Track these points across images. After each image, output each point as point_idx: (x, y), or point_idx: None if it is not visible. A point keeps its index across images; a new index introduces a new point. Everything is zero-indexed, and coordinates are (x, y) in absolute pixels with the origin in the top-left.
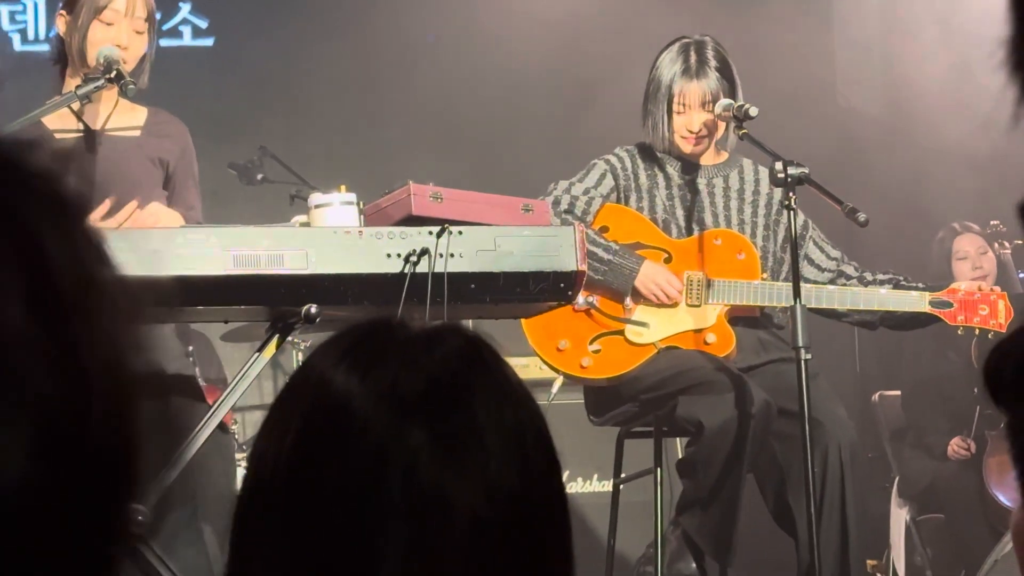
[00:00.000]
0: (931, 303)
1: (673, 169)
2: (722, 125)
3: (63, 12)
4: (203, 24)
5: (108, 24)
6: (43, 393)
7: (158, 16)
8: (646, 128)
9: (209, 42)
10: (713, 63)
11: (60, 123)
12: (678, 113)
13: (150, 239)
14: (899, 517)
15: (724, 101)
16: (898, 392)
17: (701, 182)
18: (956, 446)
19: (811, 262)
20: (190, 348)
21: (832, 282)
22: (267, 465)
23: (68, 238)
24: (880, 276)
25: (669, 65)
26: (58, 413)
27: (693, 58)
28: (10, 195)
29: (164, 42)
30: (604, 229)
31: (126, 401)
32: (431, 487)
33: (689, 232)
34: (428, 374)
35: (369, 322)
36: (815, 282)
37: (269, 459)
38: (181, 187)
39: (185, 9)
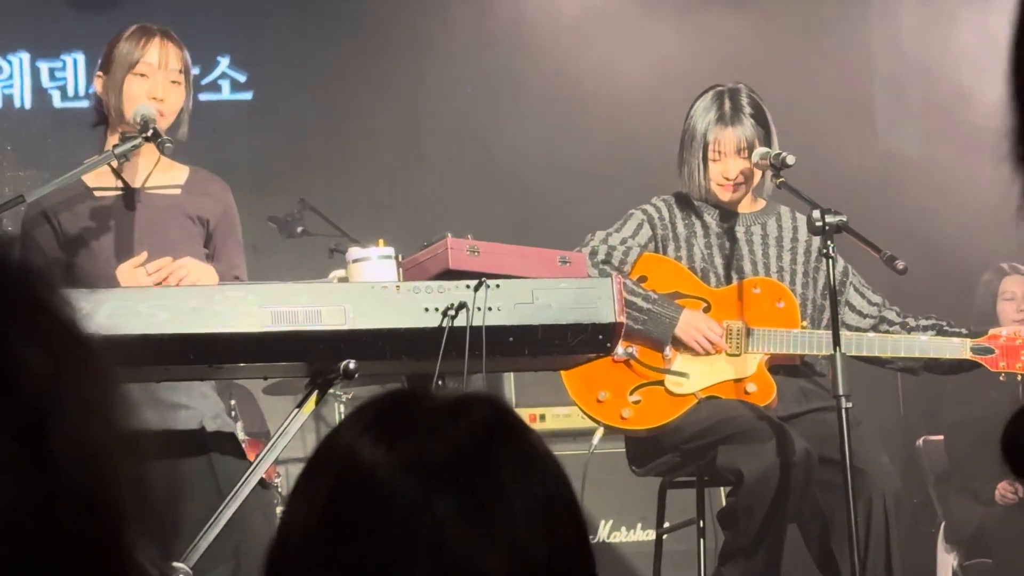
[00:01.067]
0: (972, 350)
1: (711, 217)
2: (759, 172)
3: (100, 73)
4: (242, 78)
5: (143, 76)
6: (8, 498)
7: (196, 70)
8: (682, 176)
9: (248, 96)
10: (748, 110)
11: (100, 181)
12: (714, 160)
13: (188, 297)
14: (946, 563)
15: (761, 150)
16: (942, 437)
17: (739, 230)
18: (1004, 490)
19: (852, 308)
20: (232, 403)
21: (874, 328)
22: (295, 532)
23: (36, 336)
24: (923, 322)
25: (703, 113)
26: (24, 513)
27: (727, 105)
28: None
29: (203, 96)
30: (642, 279)
31: (106, 486)
32: (459, 558)
33: (728, 281)
34: (454, 444)
35: (395, 392)
36: (857, 328)
37: (298, 526)
38: (222, 246)
39: (224, 63)
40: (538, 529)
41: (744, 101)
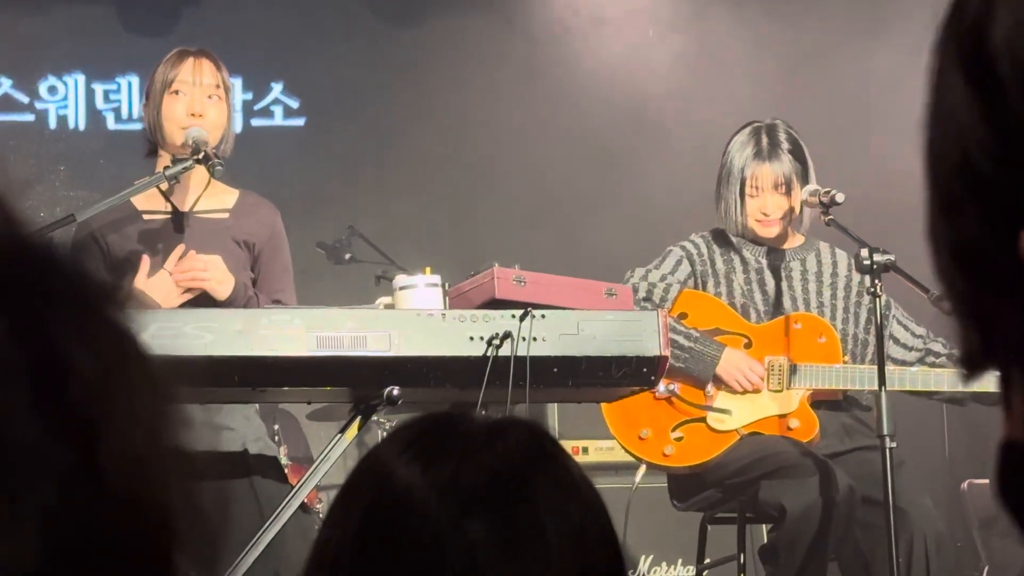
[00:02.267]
0: None
1: (750, 253)
2: (797, 208)
3: (145, 102)
4: (294, 104)
5: (178, 94)
6: (50, 505)
7: (249, 95)
8: (719, 212)
9: (300, 122)
10: (786, 145)
11: (149, 204)
12: (751, 196)
13: (234, 320)
14: None
15: (811, 187)
16: (987, 480)
17: (779, 266)
18: None
19: (896, 341)
20: (276, 427)
21: (921, 360)
22: (329, 551)
23: (87, 340)
24: None
25: (740, 148)
26: (67, 521)
27: (765, 141)
28: (24, 294)
29: (256, 121)
30: (683, 316)
31: (151, 498)
32: None
33: (768, 317)
34: (490, 468)
35: (433, 415)
36: (903, 362)
37: (332, 546)
38: (266, 270)
39: (277, 89)
40: (572, 555)
41: (782, 136)
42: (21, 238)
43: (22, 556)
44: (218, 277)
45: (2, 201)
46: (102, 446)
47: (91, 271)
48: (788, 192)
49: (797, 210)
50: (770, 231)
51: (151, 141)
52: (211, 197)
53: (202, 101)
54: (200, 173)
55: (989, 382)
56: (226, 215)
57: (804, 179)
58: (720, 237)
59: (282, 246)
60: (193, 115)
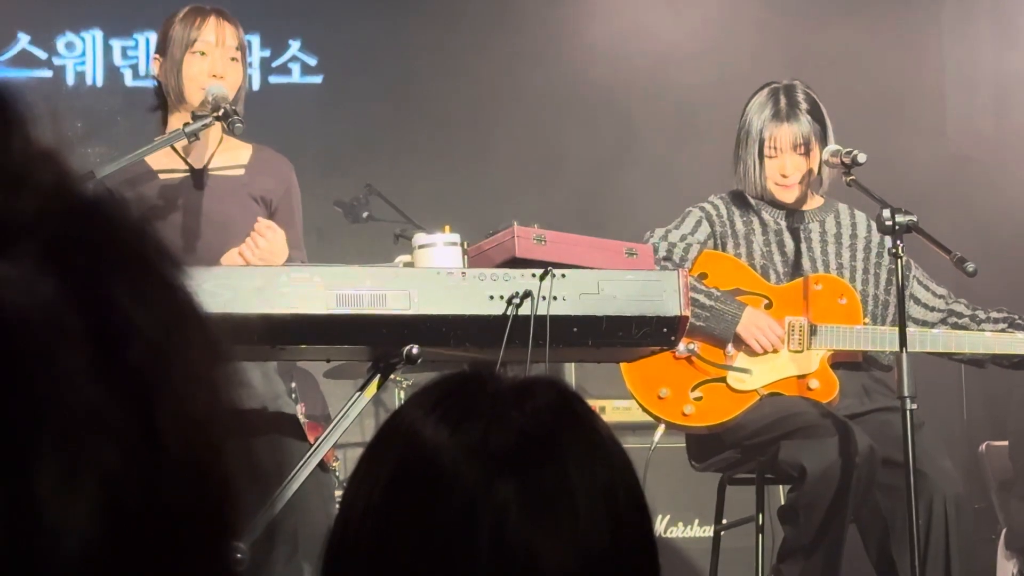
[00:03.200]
0: None
1: (769, 215)
2: (815, 169)
3: (157, 56)
4: (312, 62)
5: (202, 55)
6: (111, 469)
7: (267, 53)
8: (737, 174)
9: (318, 80)
10: (804, 106)
11: (164, 163)
12: (769, 157)
13: (254, 277)
14: (1006, 569)
15: (832, 147)
16: (1006, 443)
17: (798, 227)
18: None
19: (917, 301)
20: (293, 385)
21: (943, 321)
22: (356, 513)
23: (146, 300)
24: (994, 314)
25: (759, 110)
26: (128, 486)
27: (783, 102)
28: (83, 254)
29: (273, 79)
30: (703, 276)
31: (211, 461)
32: (520, 545)
33: (788, 278)
34: (518, 429)
35: (460, 374)
36: (924, 322)
37: (359, 507)
38: (283, 225)
39: (295, 46)
40: (601, 517)
41: (800, 97)
42: (77, 194)
43: (83, 522)
44: (280, 252)
45: (56, 156)
46: (162, 409)
47: (149, 228)
48: (807, 153)
49: (816, 171)
50: (789, 193)
51: (161, 95)
52: (225, 153)
53: (224, 62)
54: (214, 130)
55: (1009, 344)
56: (241, 171)
57: (823, 140)
58: (739, 199)
59: (296, 201)
60: (215, 76)
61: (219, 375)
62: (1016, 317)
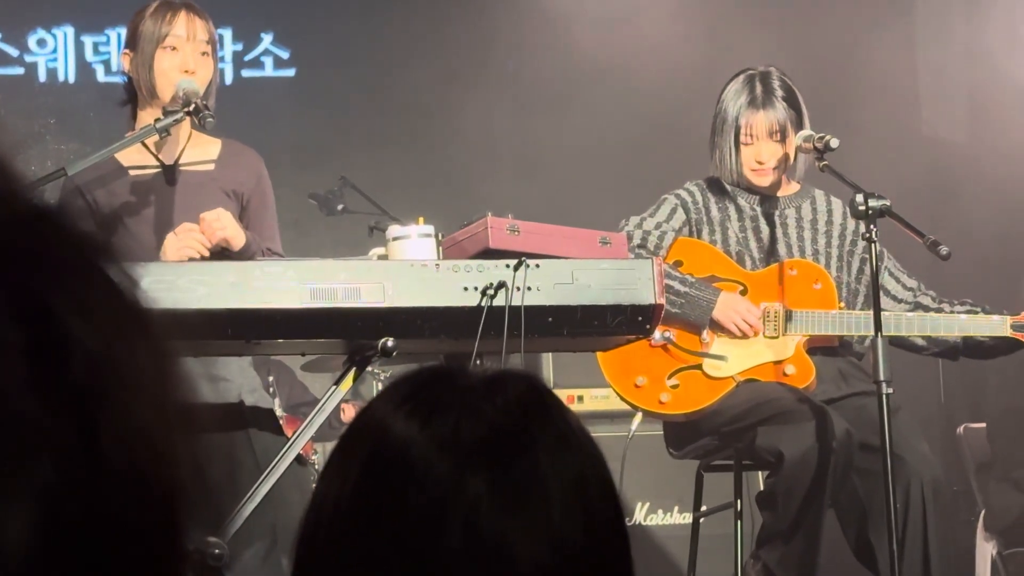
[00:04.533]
0: (1013, 327)
1: (744, 201)
2: (791, 155)
3: (127, 51)
4: (284, 55)
5: (172, 50)
6: (48, 483)
7: (239, 47)
8: (713, 161)
9: (291, 73)
10: (780, 92)
11: (135, 159)
12: (745, 144)
13: (227, 272)
14: (985, 551)
15: (805, 132)
16: (983, 424)
17: (773, 213)
18: None
19: (887, 292)
20: (270, 379)
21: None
22: (327, 509)
23: (87, 311)
24: (958, 307)
25: (734, 97)
26: (67, 500)
27: (759, 88)
28: (20, 263)
29: (246, 72)
30: (678, 263)
31: (157, 469)
32: (493, 537)
33: (763, 264)
34: (489, 421)
35: (430, 368)
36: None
37: (329, 503)
38: (256, 218)
39: (267, 40)
40: (573, 509)
41: (776, 84)
42: (18, 204)
43: (19, 537)
44: (233, 226)
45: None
46: (104, 419)
47: (88, 231)
48: (783, 140)
49: (792, 157)
50: (764, 179)
51: (131, 90)
52: (195, 148)
53: (195, 57)
54: (184, 125)
55: (982, 326)
56: (212, 166)
57: (798, 126)
58: (714, 185)
59: (269, 192)
60: (187, 72)
61: (165, 383)
62: (979, 309)
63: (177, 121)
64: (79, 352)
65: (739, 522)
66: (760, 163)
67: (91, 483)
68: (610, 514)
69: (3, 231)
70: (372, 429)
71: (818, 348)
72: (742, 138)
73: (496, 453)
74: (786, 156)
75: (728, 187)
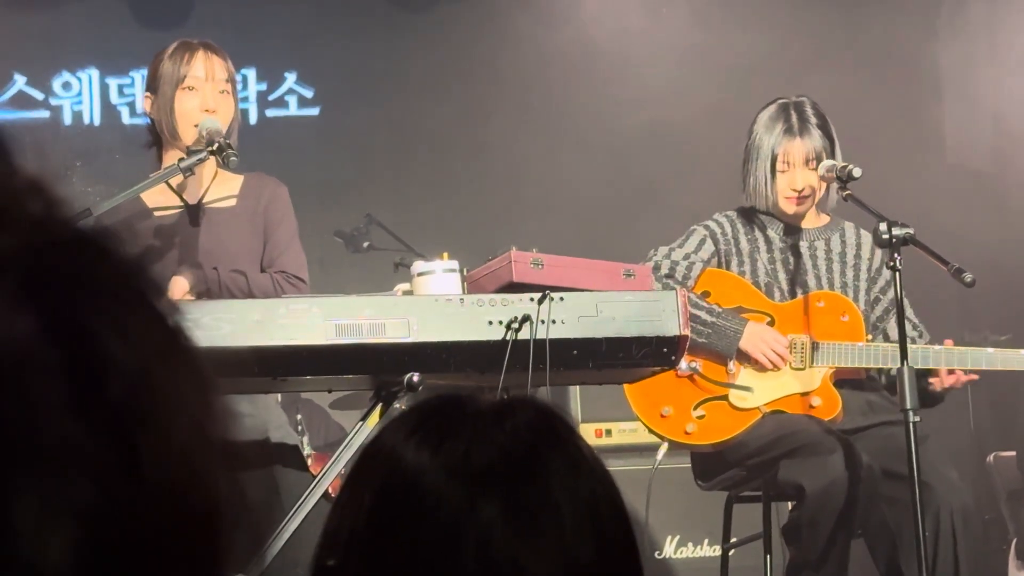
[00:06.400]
0: None
1: (774, 232)
2: (824, 186)
3: (148, 94)
4: (309, 94)
5: (192, 90)
6: (89, 504)
7: (263, 86)
8: (747, 190)
9: (315, 111)
10: (814, 120)
11: (159, 200)
12: (781, 172)
13: (252, 310)
14: None
15: (827, 162)
16: (1013, 453)
17: (803, 245)
18: None
19: (887, 338)
20: (299, 417)
21: None
22: (341, 539)
23: (128, 333)
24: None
25: (769, 124)
26: (107, 520)
27: (794, 117)
28: (63, 286)
29: (270, 112)
30: (706, 294)
31: (196, 493)
32: (506, 561)
33: (792, 296)
34: (500, 447)
35: (438, 397)
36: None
37: (343, 534)
38: (271, 237)
39: (291, 79)
40: (585, 531)
41: (810, 112)
42: (63, 227)
43: (59, 556)
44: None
45: (44, 188)
46: (143, 442)
47: (131, 256)
48: (818, 168)
49: (824, 188)
50: (798, 208)
51: (154, 133)
52: (218, 186)
53: (215, 97)
54: (209, 165)
55: (1011, 360)
56: (233, 201)
57: (832, 155)
58: (745, 216)
59: (282, 209)
60: (207, 111)
61: (205, 408)
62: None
63: (200, 160)
64: (119, 374)
65: (769, 554)
66: (795, 191)
67: (132, 505)
68: (622, 535)
69: (44, 255)
70: (383, 459)
71: (845, 380)
72: (778, 166)
73: (507, 478)
74: (820, 186)
75: (759, 217)
